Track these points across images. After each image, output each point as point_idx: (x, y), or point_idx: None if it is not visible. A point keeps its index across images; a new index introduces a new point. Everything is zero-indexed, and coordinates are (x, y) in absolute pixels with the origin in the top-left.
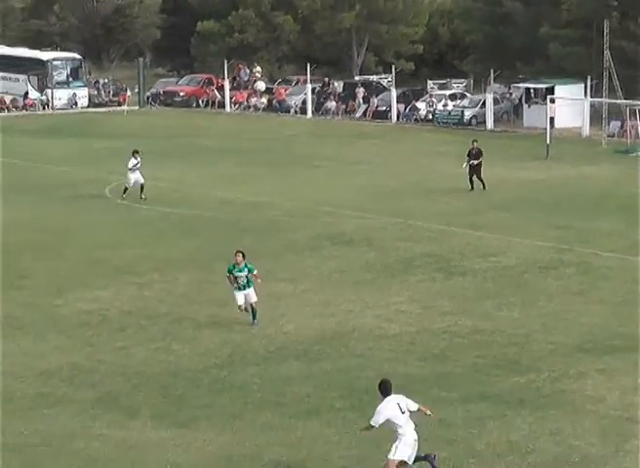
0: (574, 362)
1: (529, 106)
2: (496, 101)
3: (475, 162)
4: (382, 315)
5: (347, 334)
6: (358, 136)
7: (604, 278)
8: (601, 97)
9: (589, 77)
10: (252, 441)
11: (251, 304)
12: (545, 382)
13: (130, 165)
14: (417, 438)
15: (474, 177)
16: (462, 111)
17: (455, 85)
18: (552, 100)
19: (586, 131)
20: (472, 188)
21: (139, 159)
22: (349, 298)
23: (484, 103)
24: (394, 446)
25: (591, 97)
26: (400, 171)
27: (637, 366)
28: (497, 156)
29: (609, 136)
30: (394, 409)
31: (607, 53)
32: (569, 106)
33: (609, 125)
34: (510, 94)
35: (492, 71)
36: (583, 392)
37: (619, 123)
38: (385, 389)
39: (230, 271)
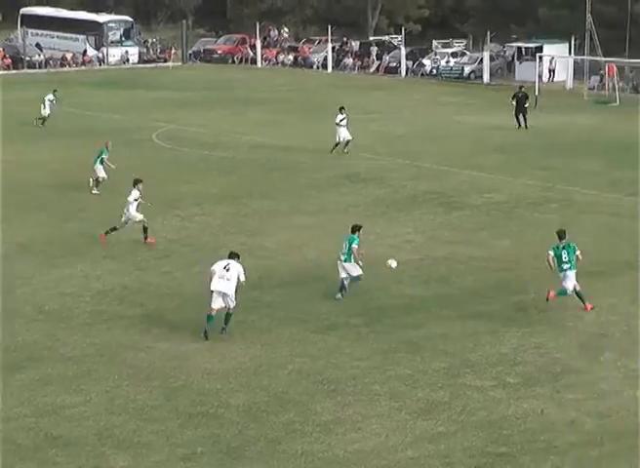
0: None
1: (520, 63)
2: (491, 58)
3: (525, 104)
4: (392, 244)
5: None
6: (372, 88)
7: (585, 212)
8: (583, 54)
9: (573, 37)
10: (278, 352)
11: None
12: (532, 302)
13: (337, 120)
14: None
15: (520, 117)
16: (463, 67)
17: (456, 44)
18: (540, 58)
19: (570, 84)
20: (520, 126)
21: (344, 114)
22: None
23: (481, 60)
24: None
25: (575, 54)
26: (408, 118)
27: (612, 287)
28: (492, 106)
29: (590, 89)
30: None
31: (589, 16)
32: (555, 63)
33: (590, 79)
34: (504, 52)
35: (488, 32)
36: (564, 311)
37: (598, 78)
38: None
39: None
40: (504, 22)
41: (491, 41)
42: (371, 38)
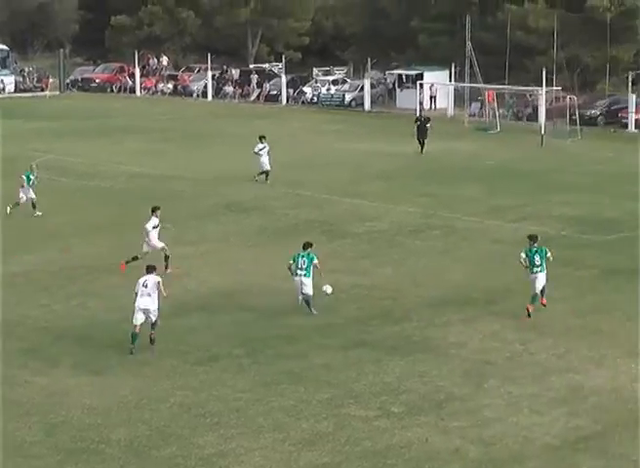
0: (439, 312)
1: (401, 90)
2: (372, 86)
3: (427, 126)
4: (274, 273)
5: (243, 290)
6: (253, 116)
7: (466, 239)
8: (463, 81)
9: (453, 64)
10: (159, 385)
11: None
12: (415, 330)
13: (256, 149)
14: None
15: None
16: (343, 95)
17: (337, 72)
18: (421, 85)
19: (451, 111)
20: (422, 151)
21: (264, 144)
22: (246, 259)
23: (362, 88)
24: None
25: (455, 81)
26: (289, 147)
27: (494, 315)
28: (373, 133)
29: (470, 115)
30: None
31: (468, 43)
32: (436, 90)
33: (470, 106)
34: (385, 79)
35: (369, 59)
36: (448, 339)
37: (479, 104)
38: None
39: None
40: (385, 50)
41: (371, 68)
42: (251, 66)
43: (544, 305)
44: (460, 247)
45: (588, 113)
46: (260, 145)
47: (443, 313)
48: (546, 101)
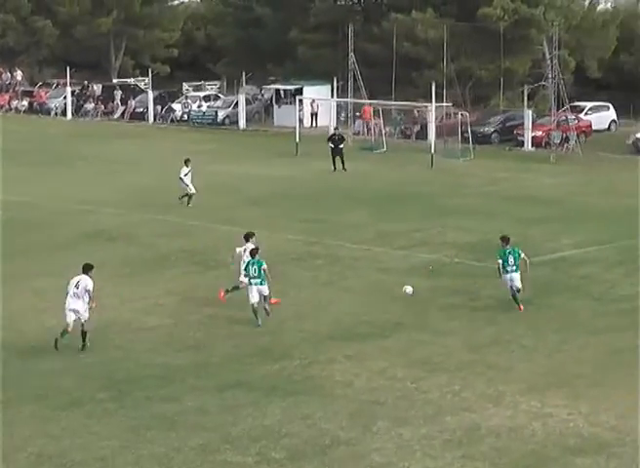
0: (323, 348)
1: (279, 106)
2: (248, 102)
3: (340, 146)
4: (141, 308)
5: (107, 328)
6: (117, 136)
7: (352, 268)
8: (347, 97)
9: (336, 78)
10: (17, 433)
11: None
12: (297, 369)
13: (181, 174)
14: None
15: (337, 159)
16: (216, 112)
17: (209, 87)
18: (301, 101)
19: (333, 129)
20: (335, 169)
21: (189, 168)
22: (109, 293)
23: (236, 104)
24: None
25: (338, 97)
26: (157, 169)
27: (382, 351)
28: (249, 154)
29: (354, 133)
30: None
31: (351, 55)
32: (318, 106)
33: (354, 123)
34: (262, 94)
35: (243, 73)
36: (333, 377)
37: (363, 122)
38: None
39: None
40: (261, 63)
41: (247, 83)
42: (115, 81)
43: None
44: (346, 276)
45: (482, 130)
46: (186, 169)
47: (327, 349)
48: (436, 118)
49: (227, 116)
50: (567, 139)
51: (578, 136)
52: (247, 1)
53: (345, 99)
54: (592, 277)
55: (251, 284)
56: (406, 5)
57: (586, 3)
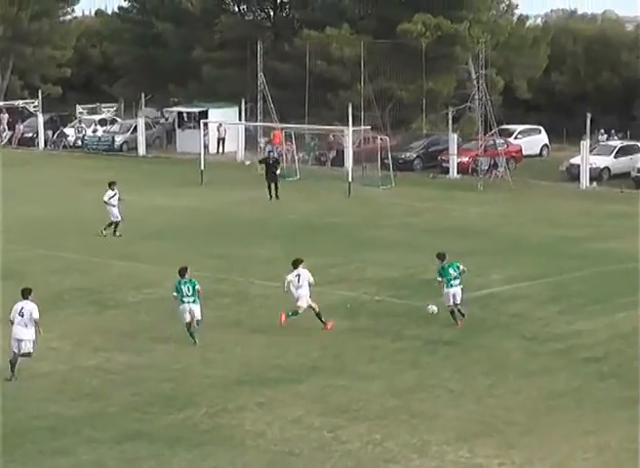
0: (232, 395)
1: (182, 131)
2: (148, 126)
3: (276, 170)
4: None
5: None
6: (3, 164)
7: (261, 307)
8: (256, 120)
9: (244, 100)
10: None
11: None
12: (203, 418)
13: (106, 198)
14: None
15: (272, 186)
16: (113, 137)
17: (105, 109)
18: (206, 125)
19: (242, 155)
20: (271, 197)
21: (115, 191)
22: None
23: (135, 128)
24: None
25: (246, 120)
26: (49, 200)
27: (296, 397)
28: (150, 183)
29: None
30: None
31: (261, 75)
32: (225, 130)
33: (265, 149)
34: (166, 119)
35: (143, 95)
36: (243, 427)
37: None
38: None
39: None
40: (162, 83)
41: (146, 105)
42: (0, 103)
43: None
44: (256, 316)
45: (403, 156)
46: (111, 192)
47: (236, 396)
48: (354, 143)
49: (125, 142)
50: (495, 166)
51: (507, 161)
52: (146, 16)
53: (255, 123)
54: (524, 315)
55: (183, 302)
56: (319, 21)
57: (515, 18)
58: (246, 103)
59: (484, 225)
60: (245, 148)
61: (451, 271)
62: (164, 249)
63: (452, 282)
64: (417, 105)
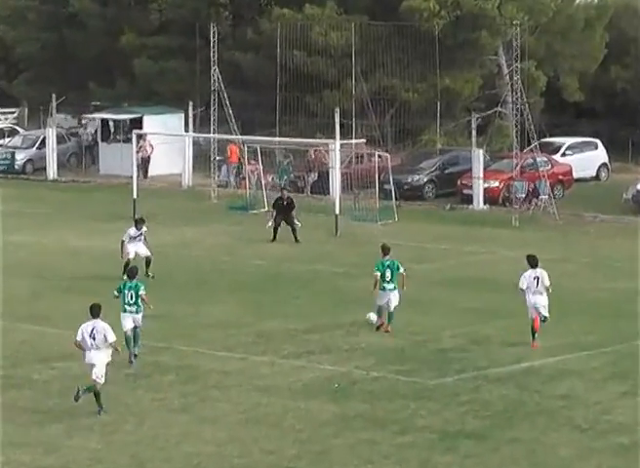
0: None
1: (108, 144)
2: (61, 139)
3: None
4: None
5: None
6: None
7: (216, 387)
8: (209, 131)
9: (191, 104)
10: None
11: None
12: None
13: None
14: None
15: (289, 229)
16: (13, 154)
17: (1, 116)
18: (140, 137)
19: (189, 179)
20: (275, 239)
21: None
22: None
23: (44, 142)
24: None
25: (195, 130)
26: None
27: None
28: (63, 217)
29: (220, 185)
30: None
31: (215, 68)
32: (165, 145)
33: (220, 170)
34: (84, 127)
35: (53, 96)
36: None
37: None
38: None
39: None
40: (80, 80)
41: (59, 111)
42: None
43: (388, 331)
44: (209, 399)
45: (409, 180)
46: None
47: None
48: (342, 162)
49: (30, 160)
50: (536, 193)
51: (552, 187)
52: None
53: (206, 135)
54: (575, 397)
55: (125, 311)
56: None
57: None
58: (195, 108)
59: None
60: (193, 168)
61: (387, 272)
62: (81, 305)
63: (385, 285)
64: (428, 111)
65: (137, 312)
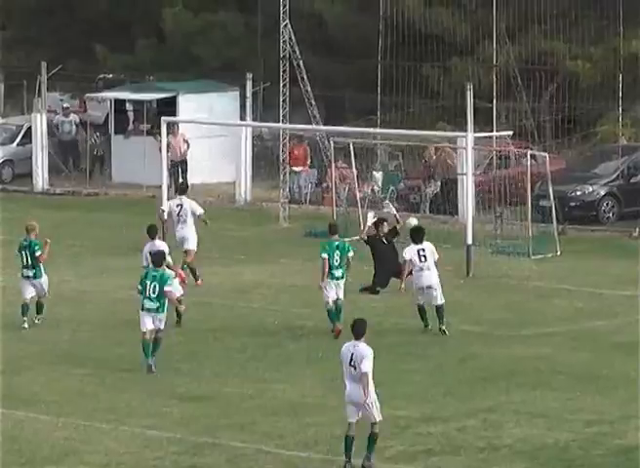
0: None
1: (127, 138)
2: (52, 130)
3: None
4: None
5: None
6: None
7: None
8: (277, 118)
9: (250, 77)
10: None
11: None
12: None
13: None
14: None
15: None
16: None
17: None
18: (172, 126)
19: (246, 191)
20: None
21: None
22: None
23: (28, 135)
24: None
25: (256, 118)
26: None
27: None
28: (60, 249)
29: (288, 200)
30: None
31: (286, 23)
32: (209, 139)
33: (295, 177)
34: (66, 115)
35: (44, 65)
36: None
37: (311, 173)
38: None
39: None
40: (83, 42)
41: (51, 88)
42: None
43: (338, 334)
44: None
45: (579, 192)
46: None
47: None
48: (477, 166)
49: (8, 161)
50: None
51: None
52: None
53: (275, 125)
54: None
55: (142, 308)
56: None
57: None
58: (255, 85)
59: None
60: (252, 176)
61: (335, 256)
62: (83, 384)
63: (333, 271)
64: (606, 89)
65: (158, 311)
